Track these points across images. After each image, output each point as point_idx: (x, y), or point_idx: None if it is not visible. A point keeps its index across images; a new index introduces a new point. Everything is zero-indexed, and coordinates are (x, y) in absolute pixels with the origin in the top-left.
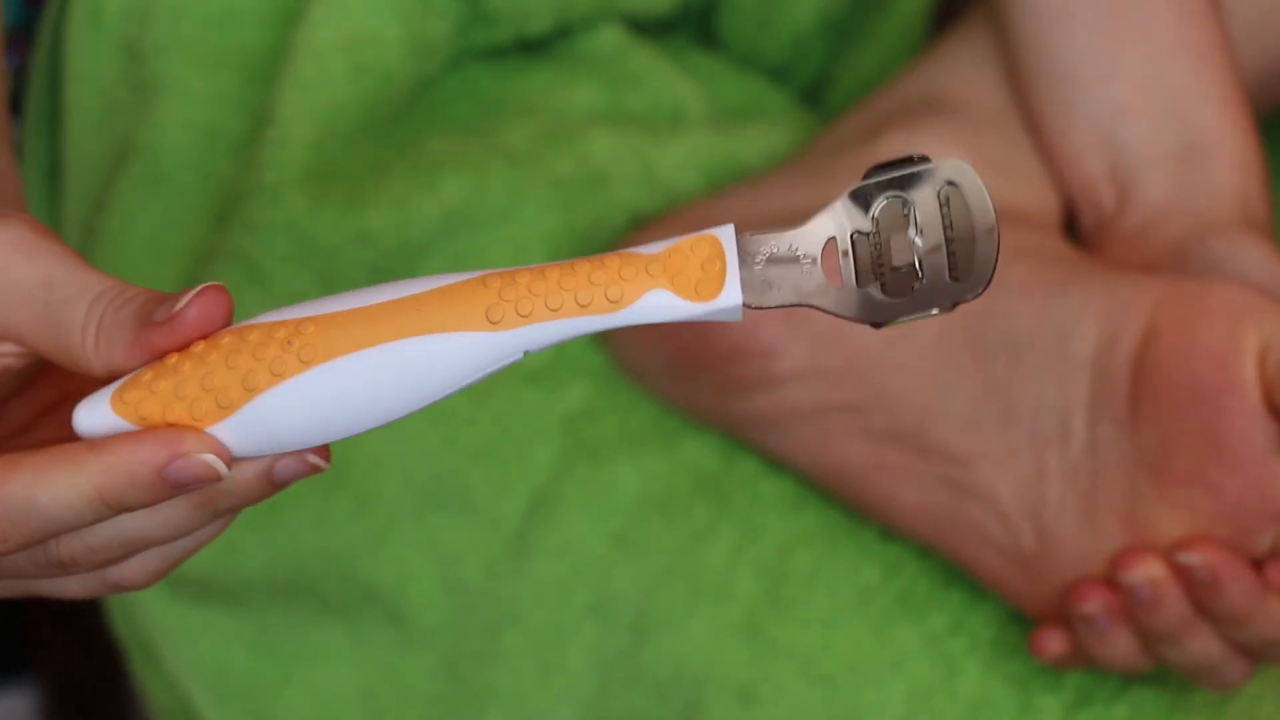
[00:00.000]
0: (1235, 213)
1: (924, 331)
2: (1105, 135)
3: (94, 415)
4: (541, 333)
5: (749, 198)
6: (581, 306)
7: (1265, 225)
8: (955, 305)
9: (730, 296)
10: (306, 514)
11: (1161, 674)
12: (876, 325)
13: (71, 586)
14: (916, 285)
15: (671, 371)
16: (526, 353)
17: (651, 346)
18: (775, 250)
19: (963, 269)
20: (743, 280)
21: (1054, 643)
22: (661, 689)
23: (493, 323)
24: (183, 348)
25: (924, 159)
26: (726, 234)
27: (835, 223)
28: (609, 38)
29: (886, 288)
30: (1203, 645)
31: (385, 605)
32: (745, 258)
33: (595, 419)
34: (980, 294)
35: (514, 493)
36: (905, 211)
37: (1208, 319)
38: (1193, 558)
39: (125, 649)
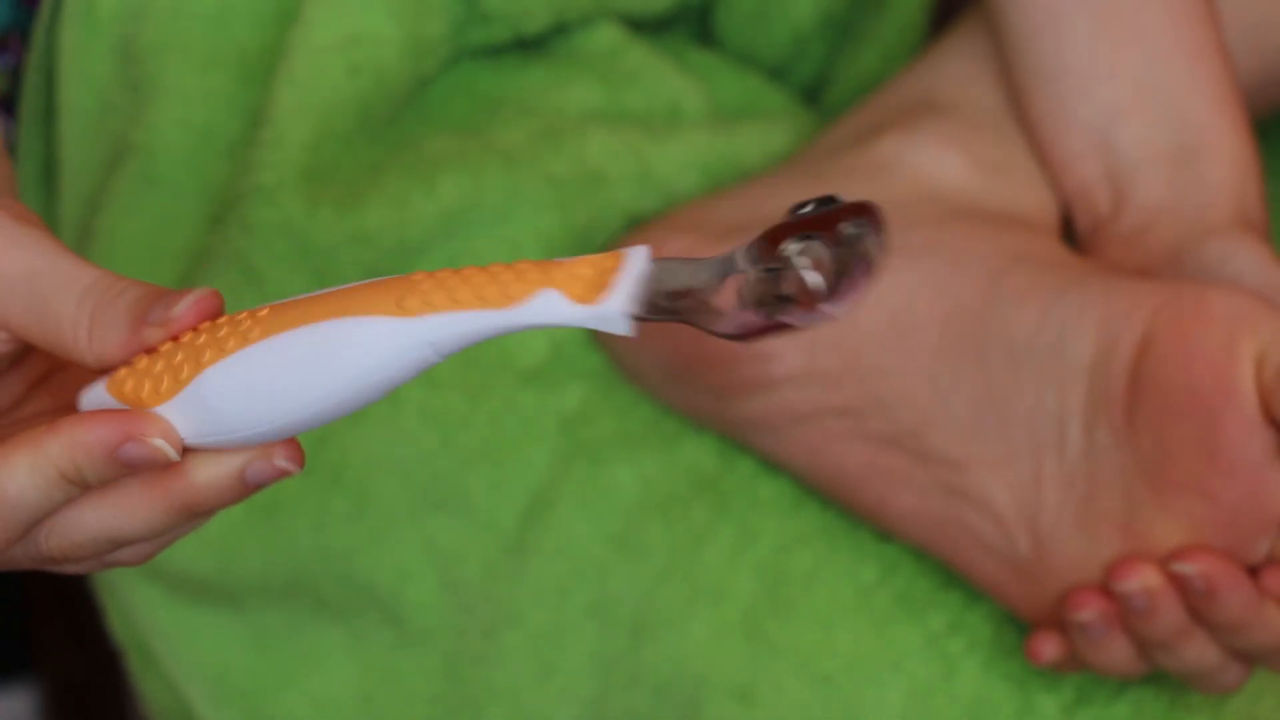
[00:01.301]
0: (1232, 214)
1: (922, 336)
2: (1100, 137)
3: (92, 393)
4: (442, 323)
5: (747, 199)
6: (480, 300)
7: (1262, 226)
8: (808, 325)
9: (613, 304)
10: (304, 515)
11: (1160, 673)
12: (740, 339)
13: (70, 567)
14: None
15: (668, 373)
16: (438, 352)
17: (649, 348)
18: (678, 274)
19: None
20: (631, 294)
21: (1049, 647)
22: (661, 689)
23: (401, 309)
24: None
25: (831, 199)
26: (636, 252)
27: (741, 259)
28: (606, 35)
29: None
30: (1199, 652)
31: (384, 606)
32: (645, 275)
33: (593, 420)
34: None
35: (512, 494)
36: (804, 251)
37: (1204, 326)
38: (1189, 567)
39: (123, 650)
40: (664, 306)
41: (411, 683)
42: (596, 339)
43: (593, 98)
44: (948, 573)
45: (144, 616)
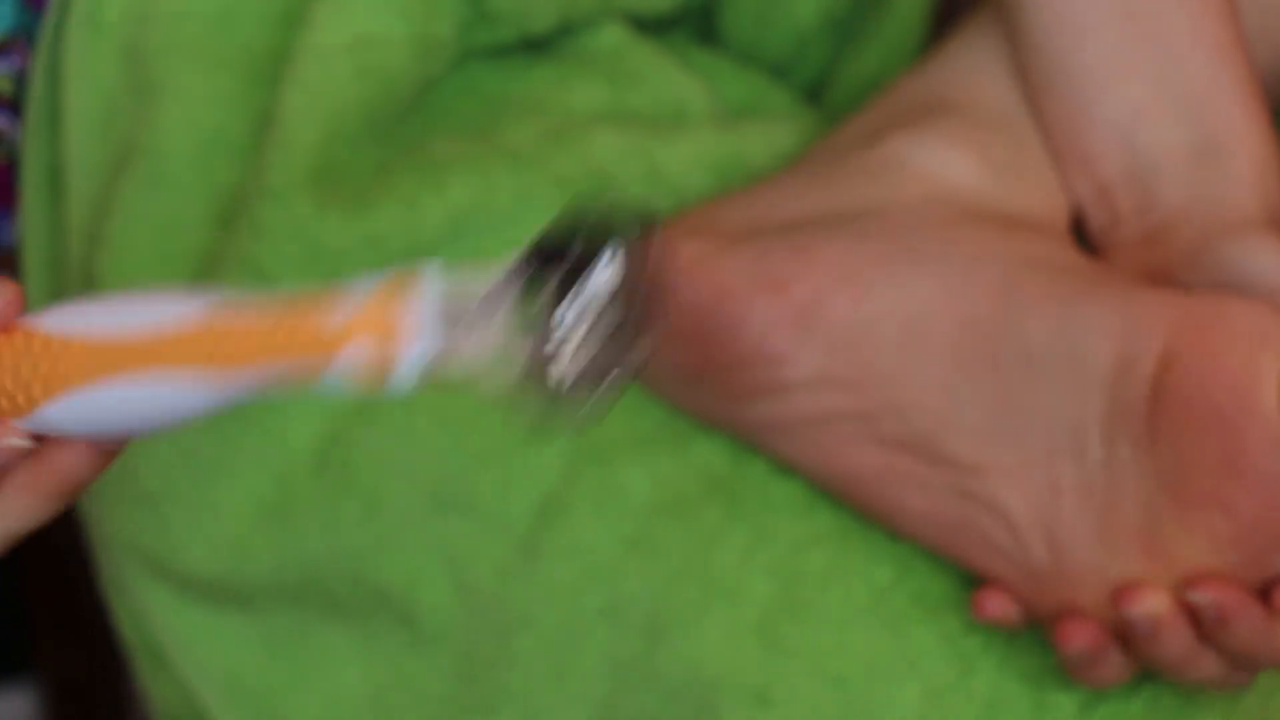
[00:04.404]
0: (1253, 212)
1: (936, 342)
2: (1121, 137)
3: None
4: (250, 376)
5: (759, 201)
6: (285, 351)
7: None
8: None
9: (404, 372)
10: (315, 518)
11: None
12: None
13: None
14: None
15: (680, 376)
16: (250, 396)
17: (660, 351)
18: (466, 309)
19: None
20: (426, 350)
21: (994, 603)
22: (674, 692)
23: (210, 360)
24: None
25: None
26: (429, 283)
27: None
28: (611, 35)
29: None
30: (1205, 671)
31: (396, 608)
32: (443, 317)
33: (604, 422)
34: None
35: (523, 495)
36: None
37: (1226, 341)
38: (1202, 597)
39: (131, 653)
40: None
41: (424, 684)
42: None
43: (599, 97)
44: (963, 573)
45: (155, 617)
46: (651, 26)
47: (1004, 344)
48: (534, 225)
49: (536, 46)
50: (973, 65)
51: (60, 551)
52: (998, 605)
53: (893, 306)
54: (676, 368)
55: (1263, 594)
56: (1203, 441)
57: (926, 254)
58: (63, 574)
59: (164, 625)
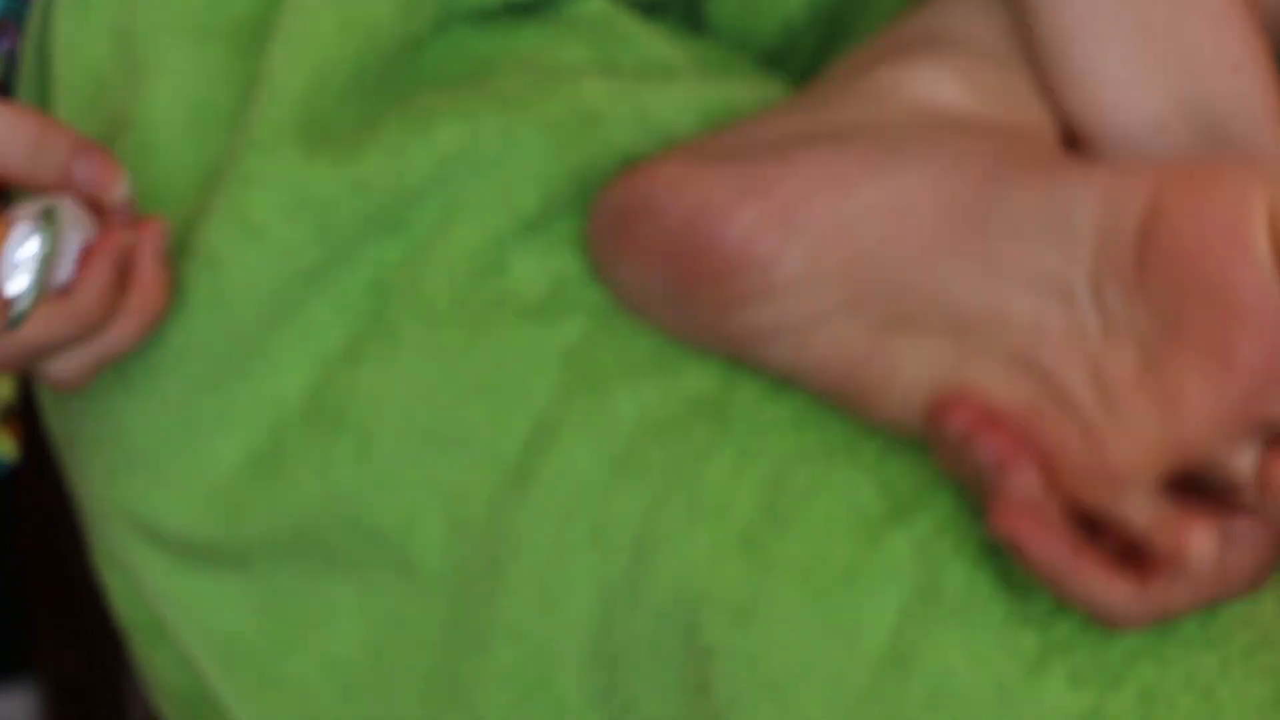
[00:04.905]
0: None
1: (922, 222)
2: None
3: None
4: None
5: (739, 131)
6: None
7: None
8: None
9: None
10: (309, 462)
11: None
12: None
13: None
14: None
15: (669, 294)
16: None
17: (648, 270)
18: None
19: None
20: None
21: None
22: (662, 613)
23: None
24: None
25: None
26: None
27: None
28: (596, 4)
29: None
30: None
31: (392, 552)
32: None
33: (595, 352)
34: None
35: (514, 425)
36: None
37: (1211, 188)
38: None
39: (128, 632)
40: None
41: (421, 631)
42: (595, 270)
43: (587, 55)
44: (939, 477)
45: (151, 586)
46: (638, 10)
47: (989, 214)
48: (520, 167)
49: (520, 12)
50: (967, 11)
51: (60, 552)
52: (960, 416)
53: (876, 199)
54: (665, 287)
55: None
56: (1192, 284)
57: (910, 152)
58: (63, 574)
59: (161, 593)
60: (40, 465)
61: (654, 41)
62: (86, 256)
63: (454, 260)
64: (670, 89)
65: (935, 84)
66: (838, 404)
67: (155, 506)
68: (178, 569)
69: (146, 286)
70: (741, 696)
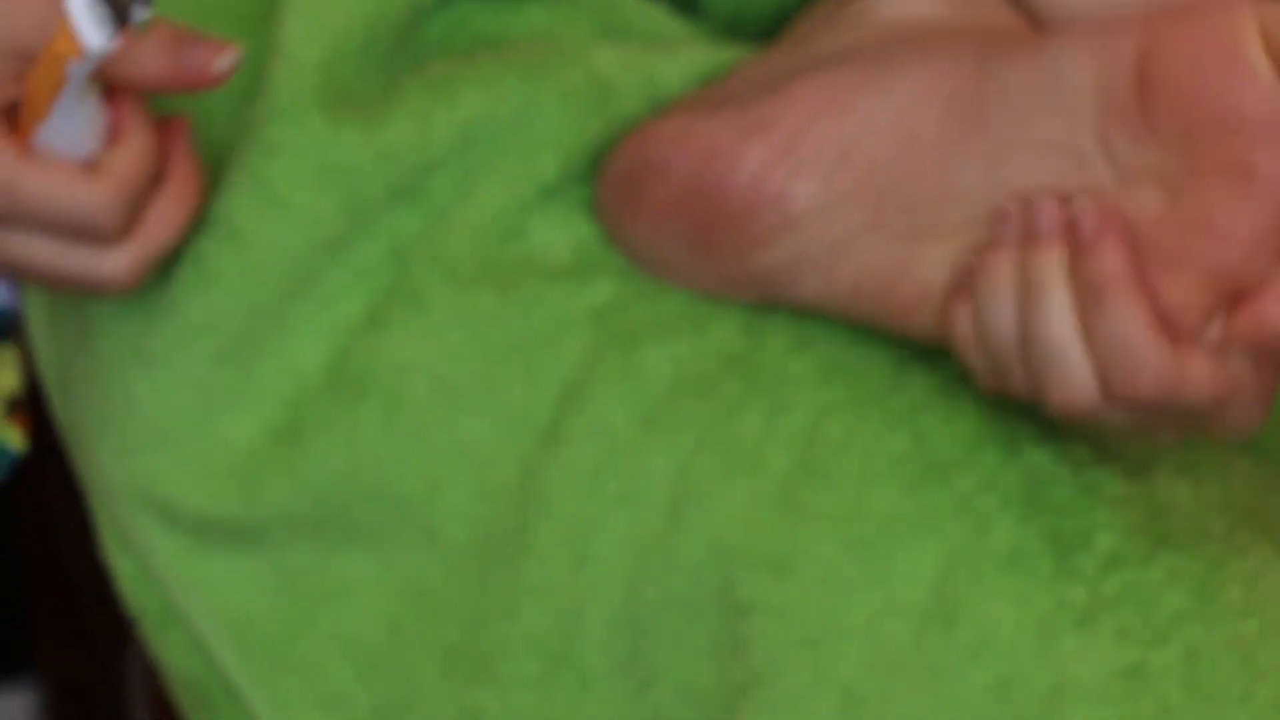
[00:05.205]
0: None
1: (927, 127)
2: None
3: None
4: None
5: (732, 78)
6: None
7: None
8: None
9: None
10: (332, 433)
11: (1200, 536)
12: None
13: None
14: None
15: (689, 248)
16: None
17: (664, 228)
18: None
19: None
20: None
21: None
22: (695, 570)
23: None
24: None
25: None
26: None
27: None
28: None
29: None
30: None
31: (416, 520)
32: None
33: (624, 310)
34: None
35: (545, 384)
36: None
37: (1201, 17)
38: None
39: (137, 617)
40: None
41: (443, 602)
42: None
43: (591, 31)
44: (979, 437)
45: (164, 569)
46: None
47: (987, 103)
48: (539, 134)
49: None
50: None
51: (60, 552)
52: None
53: (876, 114)
54: (684, 241)
55: None
56: (1199, 113)
57: (900, 62)
58: (63, 574)
59: (173, 575)
60: (41, 465)
61: (656, 17)
62: (118, 118)
63: (476, 226)
64: (678, 56)
65: (911, 2)
66: (879, 325)
67: (171, 484)
68: (191, 549)
69: (184, 172)
70: (778, 652)
